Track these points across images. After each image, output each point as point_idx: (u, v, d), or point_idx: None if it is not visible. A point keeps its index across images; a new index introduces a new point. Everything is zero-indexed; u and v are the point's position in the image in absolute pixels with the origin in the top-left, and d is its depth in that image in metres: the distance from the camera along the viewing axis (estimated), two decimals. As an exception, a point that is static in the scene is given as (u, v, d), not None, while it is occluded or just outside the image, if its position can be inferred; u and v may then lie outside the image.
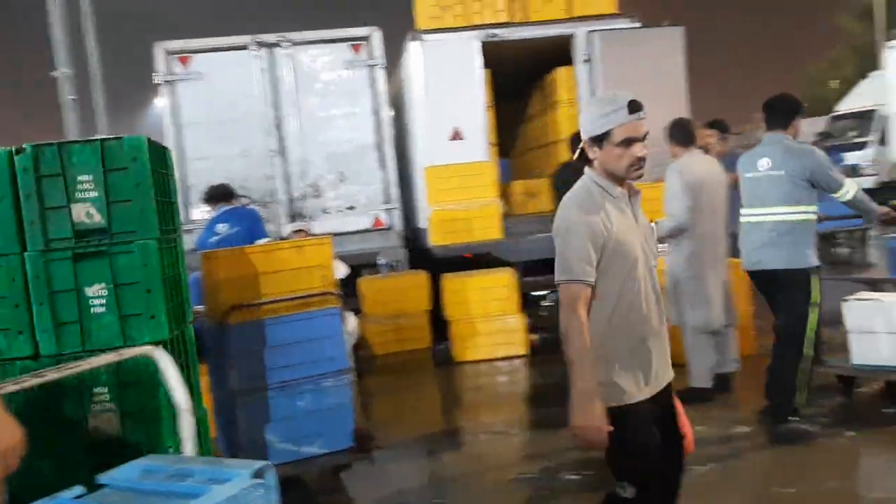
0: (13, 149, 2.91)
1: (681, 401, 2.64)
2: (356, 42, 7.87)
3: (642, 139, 2.41)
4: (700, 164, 5.18)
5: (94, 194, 2.92)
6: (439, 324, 7.48)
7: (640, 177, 2.46)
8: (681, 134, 5.23)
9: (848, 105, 17.56)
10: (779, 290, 4.49)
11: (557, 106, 8.50)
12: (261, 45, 7.71)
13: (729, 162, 5.50)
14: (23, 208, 2.89)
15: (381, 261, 7.76)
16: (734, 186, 5.01)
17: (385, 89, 7.89)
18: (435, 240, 7.64)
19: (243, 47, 7.70)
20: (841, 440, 4.41)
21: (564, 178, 6.43)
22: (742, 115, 26.53)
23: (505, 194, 8.26)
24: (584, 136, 2.47)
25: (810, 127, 15.96)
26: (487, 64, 7.85)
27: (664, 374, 2.54)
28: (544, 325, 7.68)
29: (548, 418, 5.36)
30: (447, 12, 7.92)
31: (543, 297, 8.78)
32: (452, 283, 7.36)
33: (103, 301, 2.93)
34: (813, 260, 4.43)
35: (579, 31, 7.91)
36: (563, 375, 2.46)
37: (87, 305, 2.92)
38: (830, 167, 4.45)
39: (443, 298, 7.37)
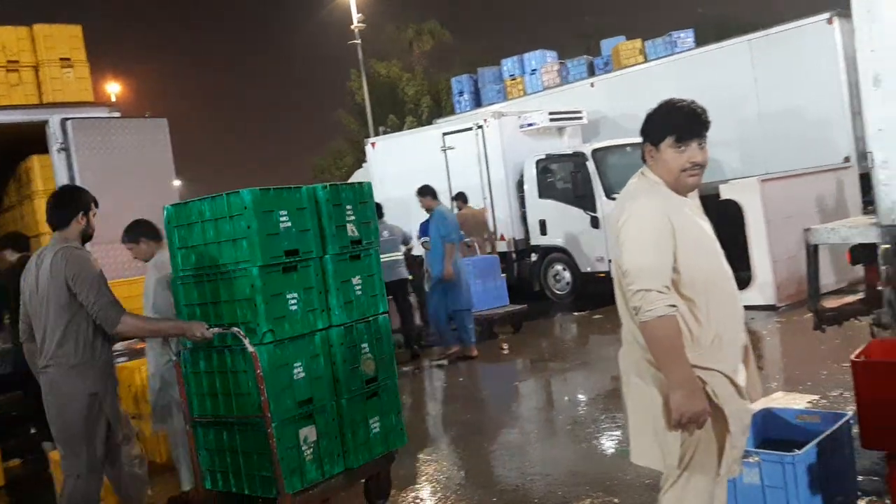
0: (321, 185, 4.29)
1: None
2: None
3: None
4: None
5: (352, 217, 4.37)
6: None
7: None
8: (152, 230, 5.10)
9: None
10: None
11: (34, 196, 7.75)
12: None
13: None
14: (325, 226, 4.23)
15: None
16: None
17: None
18: None
19: None
20: None
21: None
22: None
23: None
24: None
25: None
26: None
27: None
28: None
29: None
30: None
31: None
32: None
33: (360, 287, 4.38)
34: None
35: (53, 119, 7.38)
36: None
37: (353, 290, 4.35)
38: None
39: None
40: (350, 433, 4.17)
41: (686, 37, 14.52)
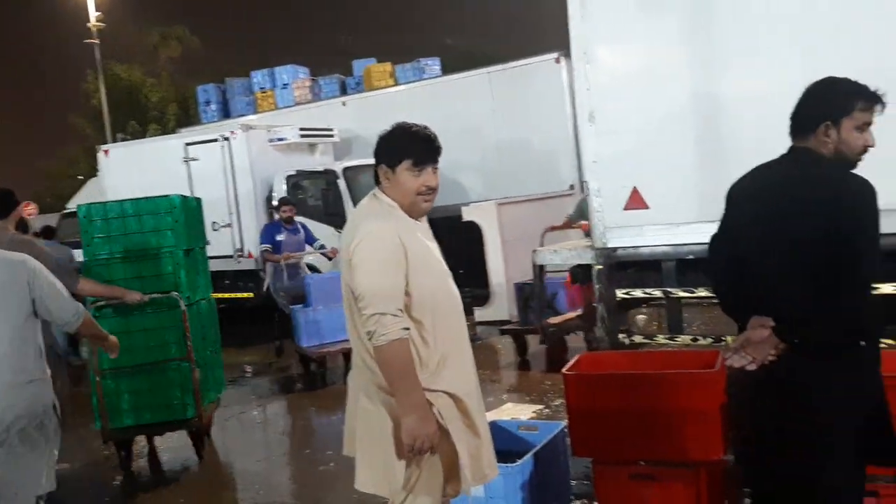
0: (194, 197, 6.39)
1: None
2: None
3: None
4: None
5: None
6: None
7: None
8: None
9: (77, 202, 17.89)
10: None
11: None
12: None
13: None
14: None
15: None
16: None
17: None
18: None
19: None
20: None
21: None
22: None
23: None
24: None
25: (43, 222, 15.62)
26: None
27: None
28: None
29: None
30: None
31: None
32: None
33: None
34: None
35: None
36: None
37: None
38: None
39: None
40: (212, 376, 5.89)
41: (433, 64, 15.15)
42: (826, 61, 3.89)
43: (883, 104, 2.48)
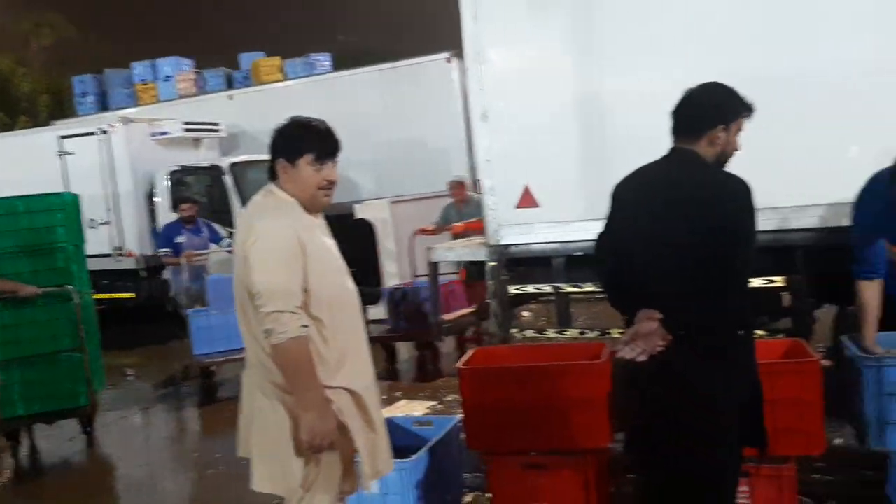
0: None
1: None
2: None
3: None
4: None
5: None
6: None
7: None
8: None
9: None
10: None
11: None
12: None
13: None
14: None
15: None
16: None
17: None
18: None
19: None
20: None
21: None
22: None
23: None
24: None
25: None
26: None
27: None
28: None
29: None
30: None
31: None
32: None
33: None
34: None
35: None
36: None
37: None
38: None
39: None
40: (97, 367, 6.00)
41: (325, 60, 14.93)
42: (702, 65, 4.11)
43: (753, 111, 2.65)
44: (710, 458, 2.56)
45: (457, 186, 8.72)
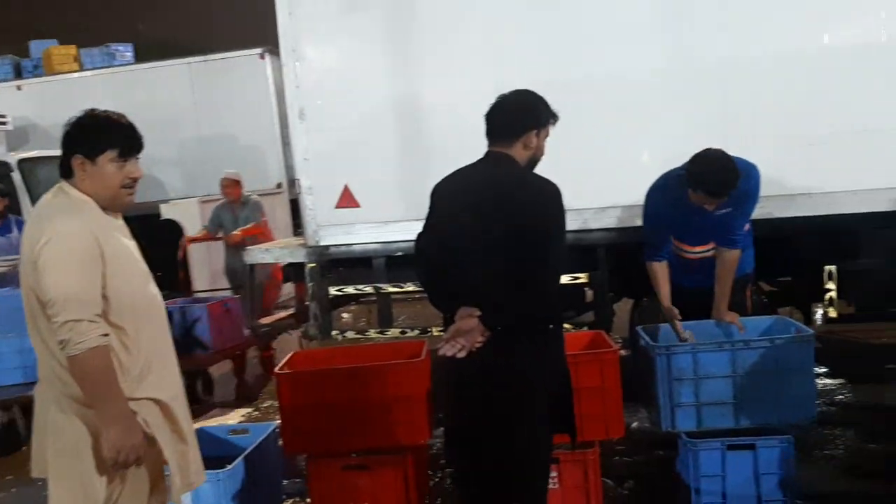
0: None
1: None
2: None
3: None
4: None
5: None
6: None
7: None
8: None
9: None
10: None
11: None
12: None
13: None
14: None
15: None
16: None
17: None
18: None
19: None
20: None
21: None
22: None
23: None
24: None
25: None
26: None
27: None
28: None
29: None
30: None
31: None
32: None
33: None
34: None
35: None
36: None
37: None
38: None
39: None
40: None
41: (125, 51, 14.02)
42: (511, 70, 4.30)
43: (558, 118, 2.80)
44: (529, 448, 2.67)
45: (230, 185, 7.52)
